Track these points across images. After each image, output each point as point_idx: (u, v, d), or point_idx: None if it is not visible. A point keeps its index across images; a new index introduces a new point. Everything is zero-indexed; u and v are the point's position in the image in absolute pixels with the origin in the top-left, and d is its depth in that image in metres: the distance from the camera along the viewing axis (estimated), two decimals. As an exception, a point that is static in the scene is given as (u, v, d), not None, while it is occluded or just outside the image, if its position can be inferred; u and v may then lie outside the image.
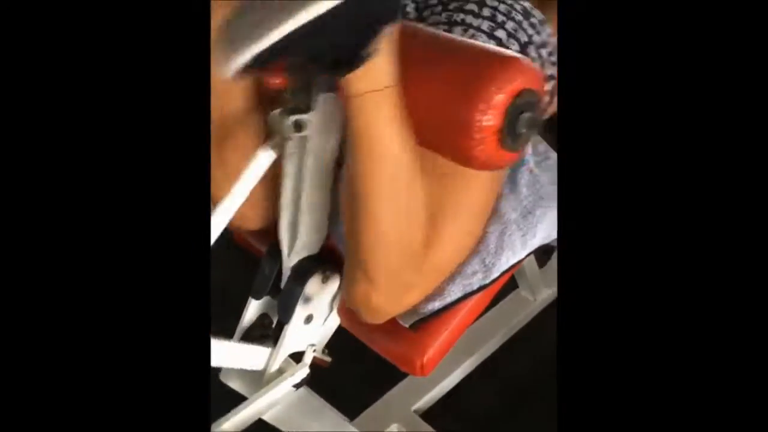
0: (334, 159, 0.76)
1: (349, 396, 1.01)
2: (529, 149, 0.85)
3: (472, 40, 0.71)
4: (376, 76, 0.57)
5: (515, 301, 1.36)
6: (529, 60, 0.64)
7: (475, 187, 0.73)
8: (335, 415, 0.90)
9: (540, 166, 0.82)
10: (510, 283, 1.33)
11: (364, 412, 1.13)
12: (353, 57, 0.54)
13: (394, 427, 1.14)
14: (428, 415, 1.18)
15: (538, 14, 0.79)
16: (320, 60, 0.54)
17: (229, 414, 0.78)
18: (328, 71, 0.58)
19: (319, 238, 0.80)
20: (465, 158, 0.61)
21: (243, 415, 0.79)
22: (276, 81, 0.71)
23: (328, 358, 0.87)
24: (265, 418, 0.83)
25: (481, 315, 0.82)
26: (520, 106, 0.59)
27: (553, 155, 0.83)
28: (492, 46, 0.71)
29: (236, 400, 0.81)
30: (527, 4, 0.79)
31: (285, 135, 0.72)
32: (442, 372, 1.21)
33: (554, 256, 1.42)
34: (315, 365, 0.86)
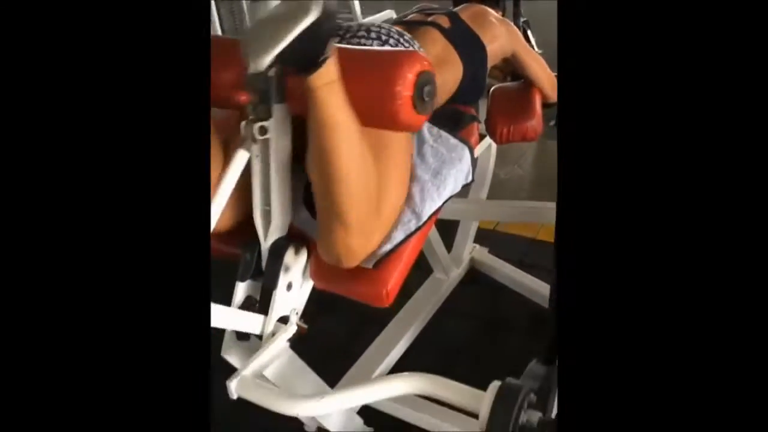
0: (290, 154, 1.00)
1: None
2: (426, 131, 1.15)
3: (382, 47, 1.02)
4: (328, 73, 0.84)
5: (433, 282, 1.63)
6: (423, 53, 0.96)
7: (400, 154, 1.01)
8: (315, 377, 1.12)
9: (437, 141, 1.13)
10: (428, 269, 1.63)
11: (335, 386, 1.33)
12: (316, 59, 0.81)
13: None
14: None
15: (408, 36, 1.15)
16: (298, 62, 0.81)
17: (240, 370, 0.96)
18: (301, 71, 0.84)
19: (286, 221, 1.03)
20: (392, 122, 0.89)
21: (251, 368, 0.97)
22: (242, 98, 0.95)
23: (305, 326, 1.08)
24: (266, 373, 1.01)
25: (418, 257, 1.08)
26: (422, 81, 0.88)
27: (443, 133, 1.15)
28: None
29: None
30: (398, 29, 1.15)
31: (252, 138, 0.95)
32: (390, 346, 1.44)
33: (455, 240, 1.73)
34: (296, 332, 1.06)
